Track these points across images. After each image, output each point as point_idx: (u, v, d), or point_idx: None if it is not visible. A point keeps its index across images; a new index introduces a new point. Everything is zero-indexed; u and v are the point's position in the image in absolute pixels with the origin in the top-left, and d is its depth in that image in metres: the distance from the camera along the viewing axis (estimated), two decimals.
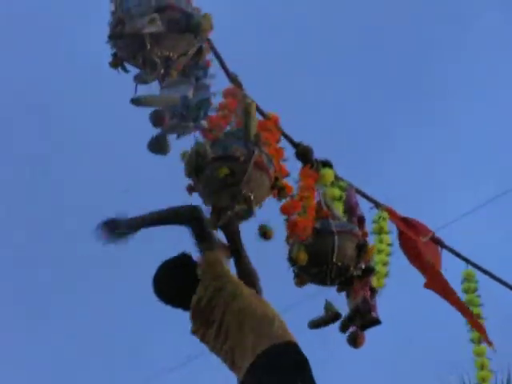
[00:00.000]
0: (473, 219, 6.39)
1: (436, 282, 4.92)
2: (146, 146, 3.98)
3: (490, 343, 5.29)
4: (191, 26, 3.87)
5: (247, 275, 3.87)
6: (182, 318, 3.77)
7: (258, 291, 3.85)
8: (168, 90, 4.23)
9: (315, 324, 4.48)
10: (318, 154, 4.80)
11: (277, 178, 4.07)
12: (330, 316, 4.47)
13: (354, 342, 4.48)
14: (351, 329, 4.51)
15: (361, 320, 4.51)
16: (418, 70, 10.76)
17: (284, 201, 4.34)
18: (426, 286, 4.94)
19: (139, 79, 3.95)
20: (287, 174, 4.47)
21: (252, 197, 3.92)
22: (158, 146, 3.98)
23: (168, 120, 3.89)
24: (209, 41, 4.27)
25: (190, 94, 4.16)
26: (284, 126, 4.59)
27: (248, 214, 3.96)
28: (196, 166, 3.96)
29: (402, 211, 5.22)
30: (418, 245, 4.89)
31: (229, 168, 3.87)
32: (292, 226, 4.36)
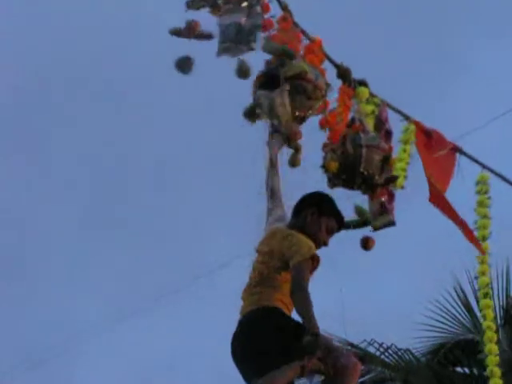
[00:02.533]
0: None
1: (438, 199, 5.66)
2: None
3: (482, 251, 6.10)
4: None
5: None
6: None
7: None
8: (224, 17, 5.07)
9: (346, 225, 5.27)
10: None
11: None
12: (362, 221, 5.27)
13: (366, 245, 5.20)
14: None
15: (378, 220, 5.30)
16: None
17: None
18: (430, 200, 5.68)
19: None
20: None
21: None
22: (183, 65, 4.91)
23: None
24: None
25: (243, 20, 4.98)
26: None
27: None
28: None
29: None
30: (428, 165, 5.63)
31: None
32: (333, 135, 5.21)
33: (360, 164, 5.11)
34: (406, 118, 5.78)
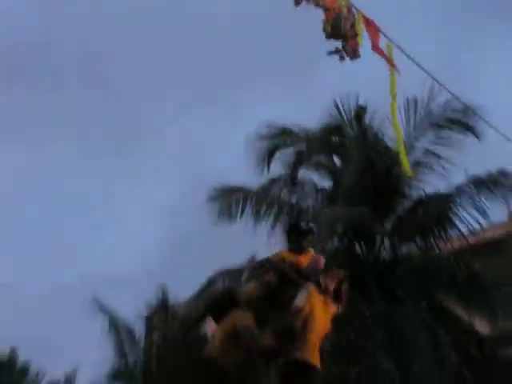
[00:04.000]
0: None
1: (375, 47, 12.25)
2: None
3: (397, 71, 12.64)
4: None
5: None
6: None
7: None
8: None
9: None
10: None
11: None
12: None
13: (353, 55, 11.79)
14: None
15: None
16: None
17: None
18: (372, 48, 12.27)
19: None
20: None
21: None
22: None
23: None
24: None
25: None
26: None
27: None
28: None
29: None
30: (368, 30, 12.19)
31: None
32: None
33: (341, 25, 11.60)
34: (357, 9, 12.29)
